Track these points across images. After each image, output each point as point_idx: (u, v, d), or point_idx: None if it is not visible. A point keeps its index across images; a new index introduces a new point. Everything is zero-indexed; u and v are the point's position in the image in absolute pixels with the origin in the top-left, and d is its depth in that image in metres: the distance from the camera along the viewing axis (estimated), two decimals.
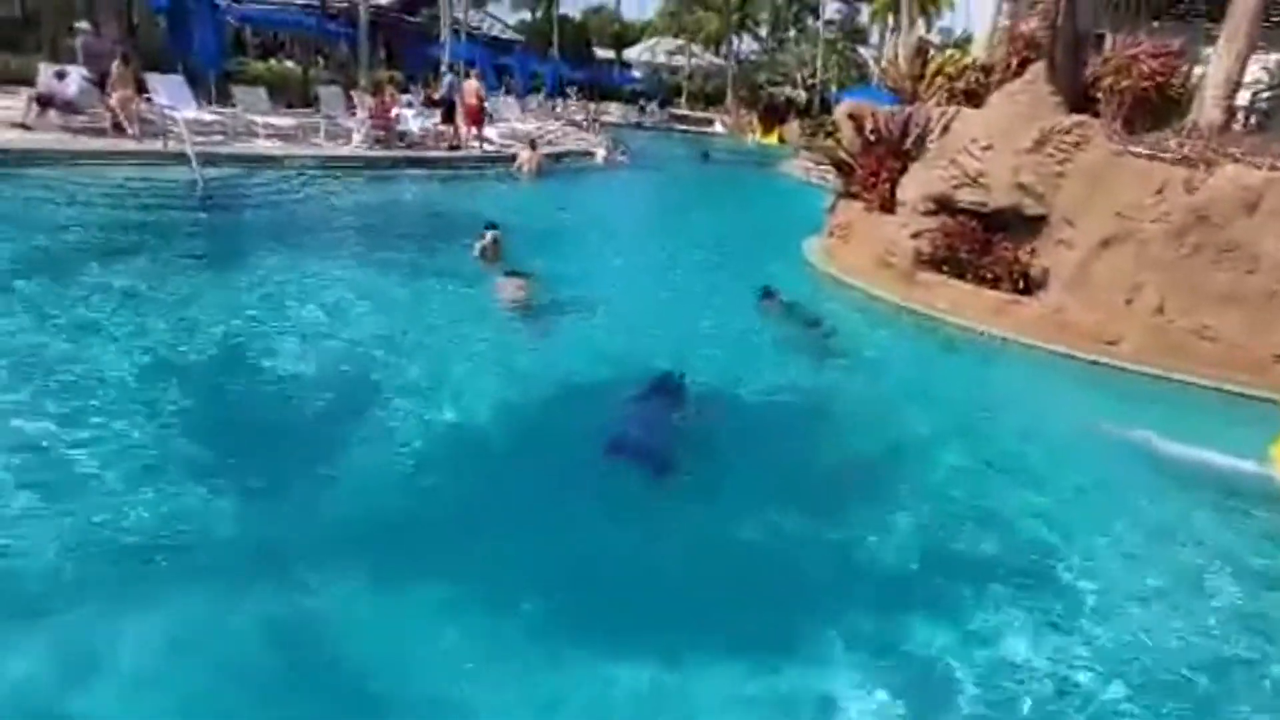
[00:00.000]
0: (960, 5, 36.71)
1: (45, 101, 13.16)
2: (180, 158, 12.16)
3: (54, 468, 4.15)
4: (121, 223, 9.40)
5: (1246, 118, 10.31)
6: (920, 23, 36.22)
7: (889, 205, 9.68)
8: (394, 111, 17.25)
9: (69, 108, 13.35)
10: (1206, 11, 10.19)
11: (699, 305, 8.75)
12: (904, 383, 7.25)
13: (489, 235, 8.79)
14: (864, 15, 47.29)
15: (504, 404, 5.68)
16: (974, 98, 9.96)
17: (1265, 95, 10.60)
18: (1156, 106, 8.39)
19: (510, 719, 3.01)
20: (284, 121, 15.91)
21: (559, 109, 34.64)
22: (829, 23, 46.06)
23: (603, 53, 49.17)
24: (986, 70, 10.12)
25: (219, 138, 14.50)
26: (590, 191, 18.48)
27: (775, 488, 4.89)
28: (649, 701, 3.10)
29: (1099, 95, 8.47)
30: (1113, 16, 14.07)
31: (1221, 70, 7.97)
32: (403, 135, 17.53)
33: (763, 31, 49.57)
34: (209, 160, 12.52)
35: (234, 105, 15.79)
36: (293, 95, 19.62)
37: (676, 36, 48.93)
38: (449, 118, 18.29)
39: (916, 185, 9.16)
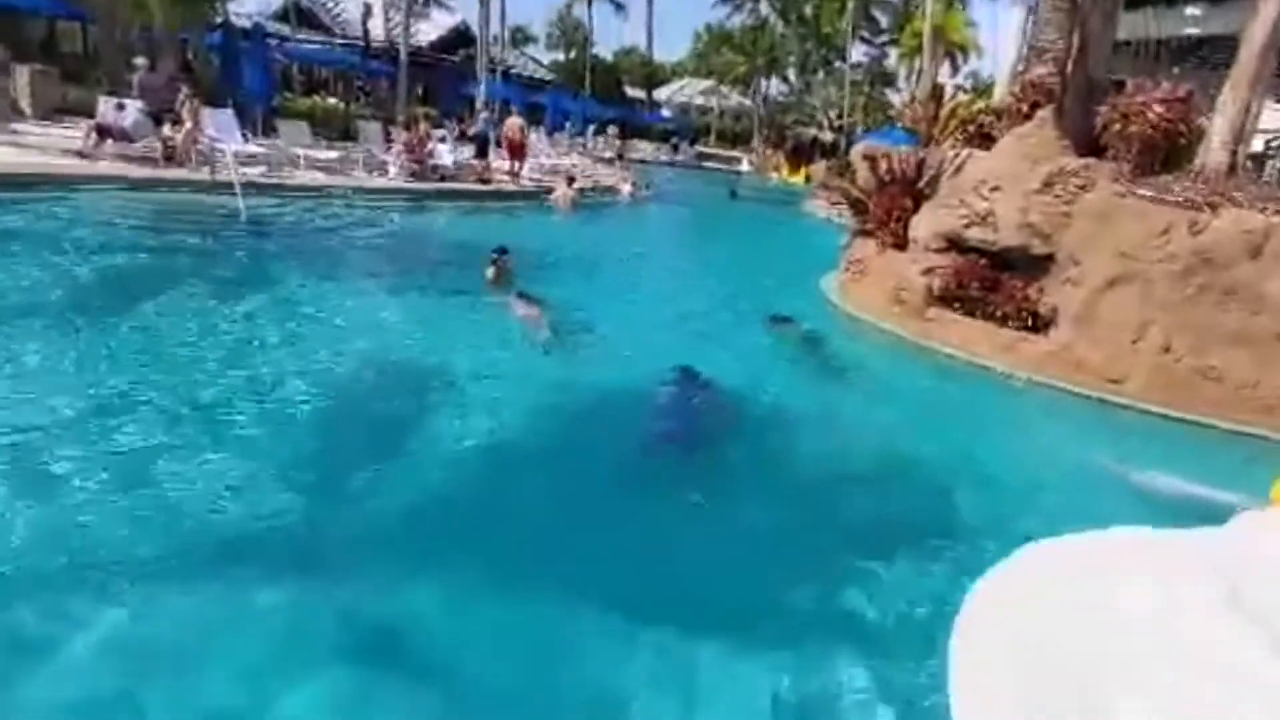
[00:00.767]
0: (989, 50, 37.06)
1: (103, 131, 13.93)
2: (225, 187, 12.78)
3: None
4: (167, 245, 9.94)
5: (1260, 164, 10.42)
6: (945, 67, 36.72)
7: (902, 243, 9.90)
8: (428, 146, 17.90)
9: (124, 137, 14.11)
10: (1226, 60, 10.37)
11: (716, 328, 9.13)
12: (905, 411, 7.43)
13: (499, 259, 9.19)
14: (892, 59, 48.12)
15: (539, 409, 6.05)
16: (988, 140, 10.20)
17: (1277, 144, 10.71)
18: (1165, 152, 8.56)
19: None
20: (325, 154, 16.63)
21: (589, 145, 35.52)
22: (855, 66, 46.84)
23: (633, 92, 50.33)
24: (999, 114, 10.37)
25: (262, 169, 15.18)
26: (618, 225, 18.98)
27: (774, 478, 5.45)
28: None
29: (1108, 140, 8.66)
30: (1133, 63, 14.36)
31: (1227, 117, 8.14)
32: (436, 168, 18.18)
33: (791, 74, 50.49)
34: (252, 190, 13.14)
35: (278, 138, 16.55)
36: (334, 129, 20.50)
37: (706, 77, 50.05)
38: (482, 153, 18.94)
39: (928, 224, 9.38)
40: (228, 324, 7.22)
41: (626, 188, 22.22)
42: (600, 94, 43.13)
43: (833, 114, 39.79)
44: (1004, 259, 8.77)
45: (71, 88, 19.24)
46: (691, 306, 10.39)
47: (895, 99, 42.34)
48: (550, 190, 19.50)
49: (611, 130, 36.89)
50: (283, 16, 31.98)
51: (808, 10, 44.42)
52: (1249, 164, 9.49)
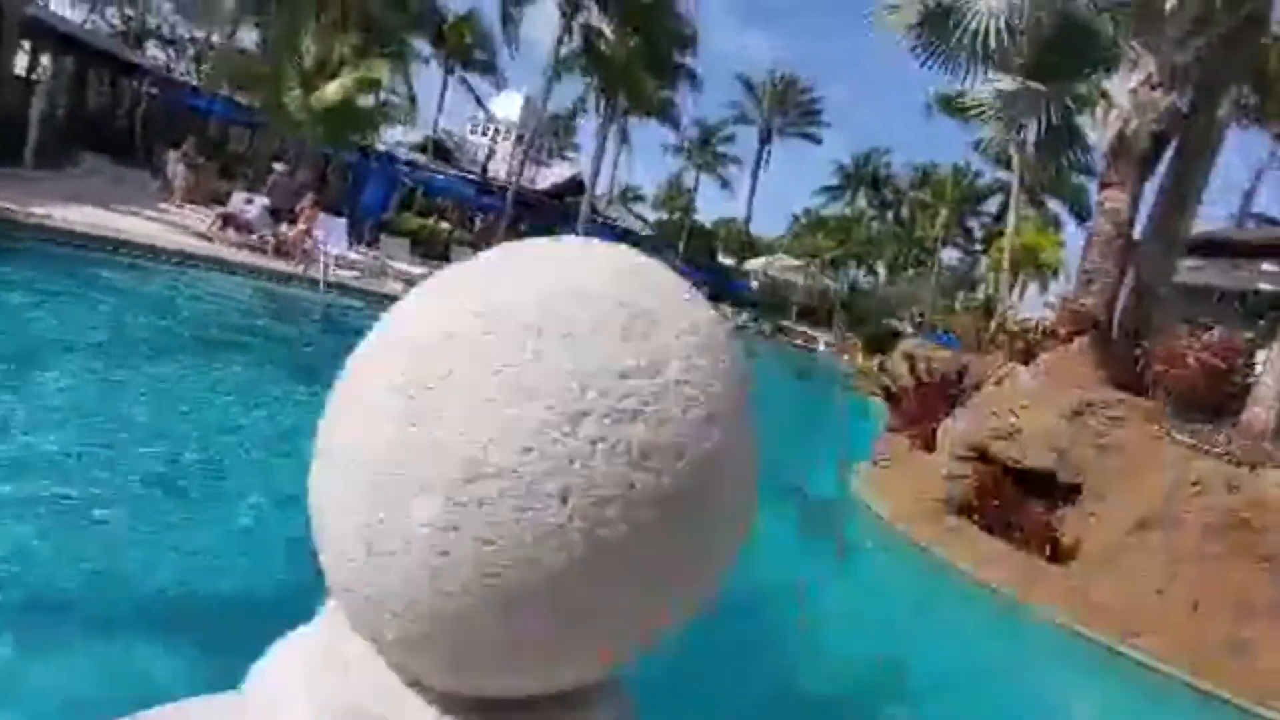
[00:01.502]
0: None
1: (227, 219, 15.55)
2: (314, 282, 13.91)
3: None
4: (246, 325, 10.81)
5: None
6: (1034, 285, 37.02)
7: (931, 445, 9.70)
8: None
9: (246, 228, 15.69)
10: None
11: None
12: (878, 612, 7.22)
13: None
14: (983, 266, 48.88)
15: None
16: (1032, 357, 10.12)
17: None
18: (1211, 402, 8.28)
19: None
20: (415, 269, 17.91)
21: None
22: (947, 269, 47.74)
23: (725, 259, 52.54)
24: (1046, 334, 10.33)
25: (355, 273, 16.46)
26: None
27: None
28: None
29: (1150, 381, 8.47)
30: (1213, 311, 14.14)
31: (1274, 376, 7.86)
32: None
33: (880, 265, 51.85)
34: (338, 290, 14.22)
35: (379, 250, 18.05)
36: (434, 249, 22.18)
37: (798, 257, 51.96)
38: None
39: (958, 431, 9.20)
40: (233, 393, 7.66)
41: None
42: (693, 255, 45.14)
43: (915, 310, 40.27)
44: (1029, 480, 8.44)
45: (226, 182, 21.83)
46: None
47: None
48: None
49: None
50: (423, 148, 35.71)
51: (904, 212, 46.23)
52: None
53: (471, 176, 29.68)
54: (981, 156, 40.04)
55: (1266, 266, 11.53)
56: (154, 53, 34.83)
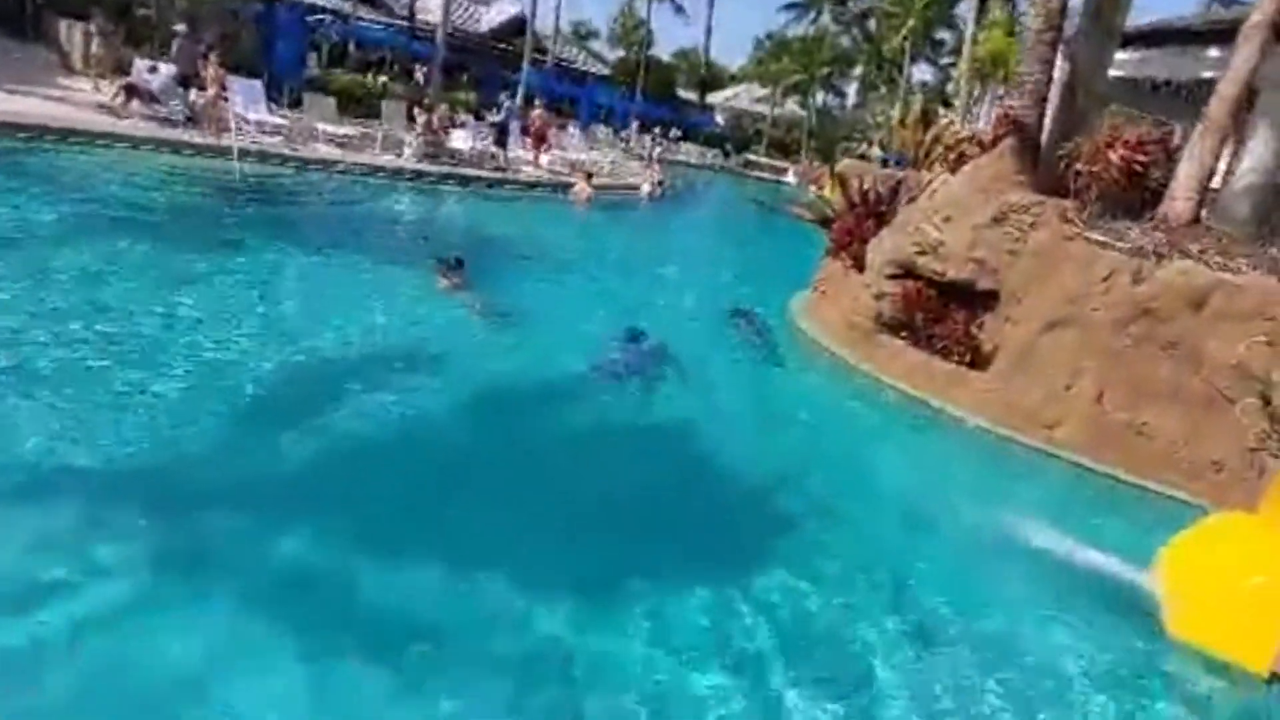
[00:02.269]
0: None
1: (131, 91, 14.53)
2: (229, 152, 13.20)
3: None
4: (153, 203, 10.35)
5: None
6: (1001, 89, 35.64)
7: (863, 266, 9.71)
8: (438, 127, 18.11)
9: (152, 100, 14.70)
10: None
11: (678, 317, 9.69)
12: (804, 421, 7.71)
13: (450, 272, 8.95)
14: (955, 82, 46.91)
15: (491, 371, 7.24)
16: None
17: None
18: (1137, 196, 8.21)
19: None
20: (344, 130, 17.03)
21: (632, 143, 35.59)
22: (919, 85, 45.82)
23: (687, 94, 50.20)
24: (982, 144, 10.06)
25: (278, 139, 15.64)
26: (621, 223, 18.96)
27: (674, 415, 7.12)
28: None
29: (1072, 180, 8.36)
30: (1152, 103, 13.67)
31: (1193, 163, 7.76)
32: (453, 152, 18.47)
33: (851, 88, 49.75)
34: (254, 158, 13.55)
35: (302, 112, 17.04)
36: (365, 107, 20.92)
37: (763, 85, 49.66)
38: (500, 141, 19.18)
39: (884, 249, 9.18)
40: (160, 280, 7.49)
41: (646, 188, 22.23)
42: (652, 93, 43.08)
43: (884, 134, 39.03)
44: (952, 291, 8.53)
45: (133, 50, 20.14)
46: (650, 302, 10.50)
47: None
48: (572, 184, 19.69)
49: (657, 131, 36.94)
50: None
51: (870, 25, 43.72)
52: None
53: (400, 23, 27.53)
54: None
55: (1213, 53, 11.08)
56: None
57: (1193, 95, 12.73)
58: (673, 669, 3.80)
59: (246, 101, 15.98)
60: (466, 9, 36.63)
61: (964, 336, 8.30)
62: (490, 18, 37.33)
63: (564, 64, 38.94)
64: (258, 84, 16.61)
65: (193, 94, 15.13)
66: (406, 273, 9.33)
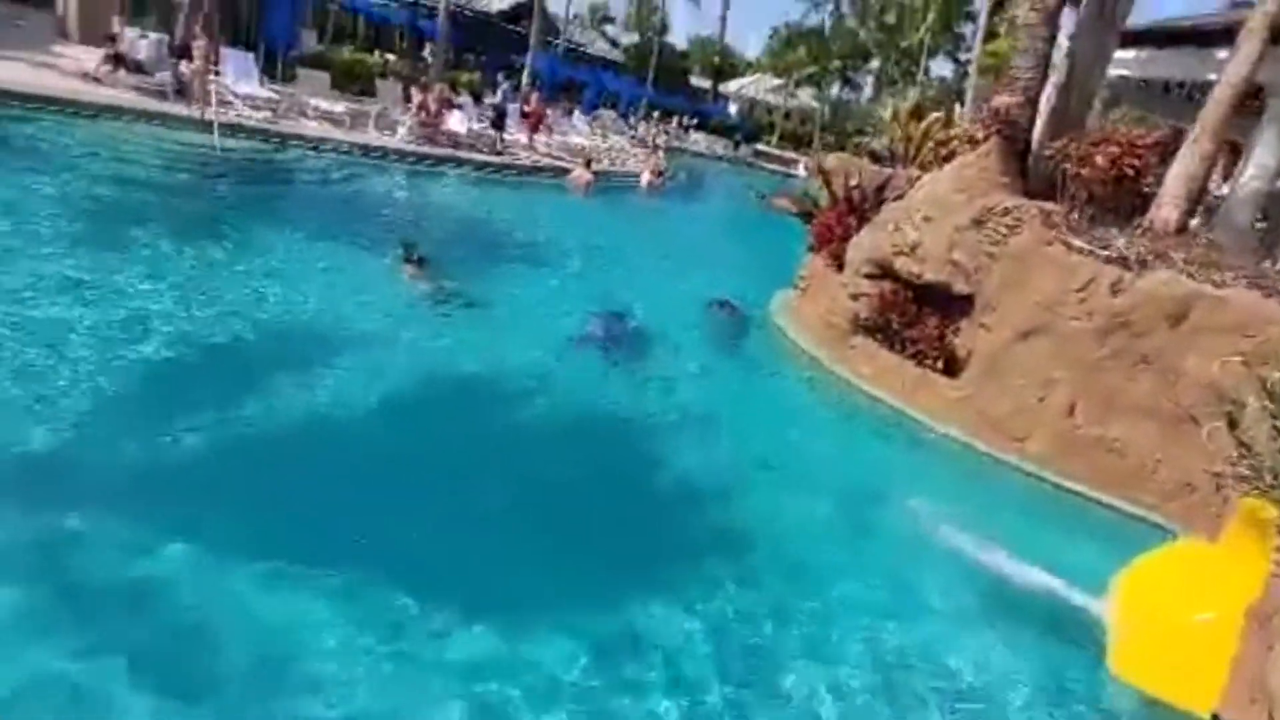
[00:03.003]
0: None
1: (118, 60, 14.33)
2: (224, 127, 12.98)
3: None
4: (127, 176, 10.18)
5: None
6: None
7: (843, 264, 9.42)
8: (436, 109, 17.83)
9: (139, 69, 14.50)
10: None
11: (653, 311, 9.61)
12: (765, 417, 7.60)
13: (413, 263, 8.71)
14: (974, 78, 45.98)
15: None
16: None
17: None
18: (1121, 201, 7.88)
19: None
20: (336, 107, 16.78)
21: (639, 129, 35.13)
22: (938, 81, 44.94)
23: (700, 82, 49.55)
24: (975, 141, 9.71)
25: (267, 114, 15.42)
26: (616, 212, 18.65)
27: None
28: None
29: (1061, 182, 8.04)
30: (1162, 104, 13.23)
31: (1183, 168, 7.41)
32: (451, 135, 18.20)
33: (868, 80, 48.89)
34: (237, 132, 13.34)
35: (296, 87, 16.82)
36: (366, 85, 20.66)
37: (778, 75, 48.92)
38: (497, 124, 18.90)
39: (863, 247, 8.89)
40: (97, 258, 7.31)
41: (646, 176, 21.88)
42: (665, 80, 42.49)
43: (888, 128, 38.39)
44: (928, 294, 8.24)
45: (127, 17, 19.93)
46: (625, 296, 10.27)
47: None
48: (571, 170, 19.42)
49: (657, 117, 36.47)
50: None
51: (889, 19, 42.89)
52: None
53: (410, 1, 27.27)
54: None
55: (1221, 54, 10.65)
56: None
57: (1204, 97, 12.32)
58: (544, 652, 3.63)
59: (237, 74, 15.80)
60: None
61: (938, 341, 8.03)
62: None
63: (575, 48, 38.50)
64: (250, 57, 16.42)
65: (183, 65, 14.91)
66: (370, 258, 9.10)
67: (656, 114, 37.07)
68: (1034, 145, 8.83)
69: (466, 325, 7.97)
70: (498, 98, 19.81)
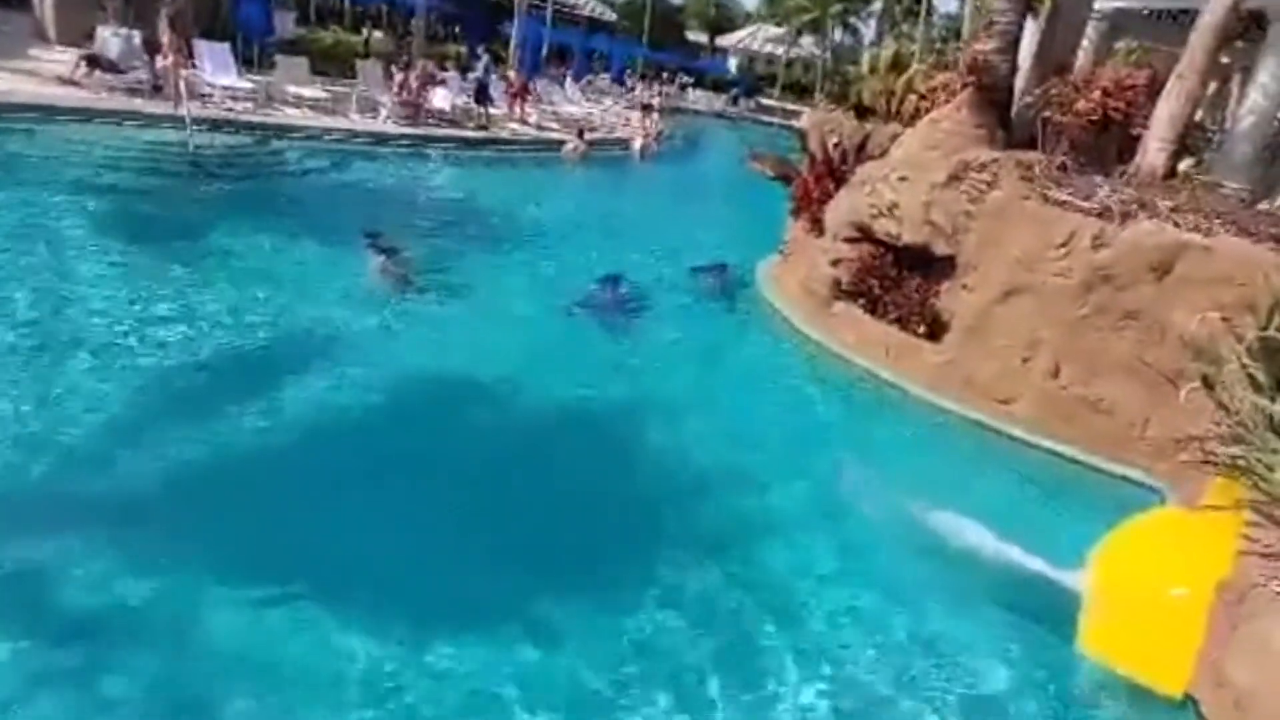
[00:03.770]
0: None
1: (93, 61, 14.14)
2: (200, 122, 12.78)
3: None
4: (94, 183, 10.07)
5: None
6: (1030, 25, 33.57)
7: (823, 228, 9.13)
8: (415, 87, 17.47)
9: (113, 68, 14.30)
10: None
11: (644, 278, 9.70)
12: (744, 386, 7.54)
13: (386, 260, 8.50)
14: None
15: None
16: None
17: None
18: (1106, 146, 7.50)
19: None
20: (317, 93, 16.49)
21: (637, 91, 34.36)
22: (947, 17, 43.33)
23: (696, 37, 48.31)
24: (954, 92, 9.28)
25: (247, 105, 15.20)
26: (608, 184, 18.29)
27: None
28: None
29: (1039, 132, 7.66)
30: (1172, 35, 12.53)
31: (1167, 110, 7.00)
32: (432, 112, 17.87)
33: (870, 25, 47.33)
34: (224, 126, 13.15)
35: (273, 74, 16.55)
36: (349, 67, 20.26)
37: (778, 24, 47.56)
38: (480, 99, 18.53)
39: (840, 210, 8.59)
40: (83, 262, 7.26)
41: (638, 142, 21.42)
42: (659, 37, 41.43)
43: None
44: (908, 256, 7.96)
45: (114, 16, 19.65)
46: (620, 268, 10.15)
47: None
48: (564, 142, 19.07)
49: (670, 79, 35.66)
50: None
51: None
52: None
53: None
54: None
55: None
56: None
57: None
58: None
59: (214, 67, 15.53)
60: None
61: (920, 305, 7.77)
62: None
63: (563, 10, 37.49)
64: (226, 48, 16.10)
65: (158, 60, 14.70)
66: (338, 253, 8.93)
67: (653, 74, 36.25)
68: (1017, 94, 8.39)
69: (441, 318, 7.89)
70: (479, 71, 19.37)
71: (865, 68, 14.29)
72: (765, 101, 43.43)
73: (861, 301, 8.26)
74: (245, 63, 16.91)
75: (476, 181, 15.48)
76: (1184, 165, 7.71)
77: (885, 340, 7.89)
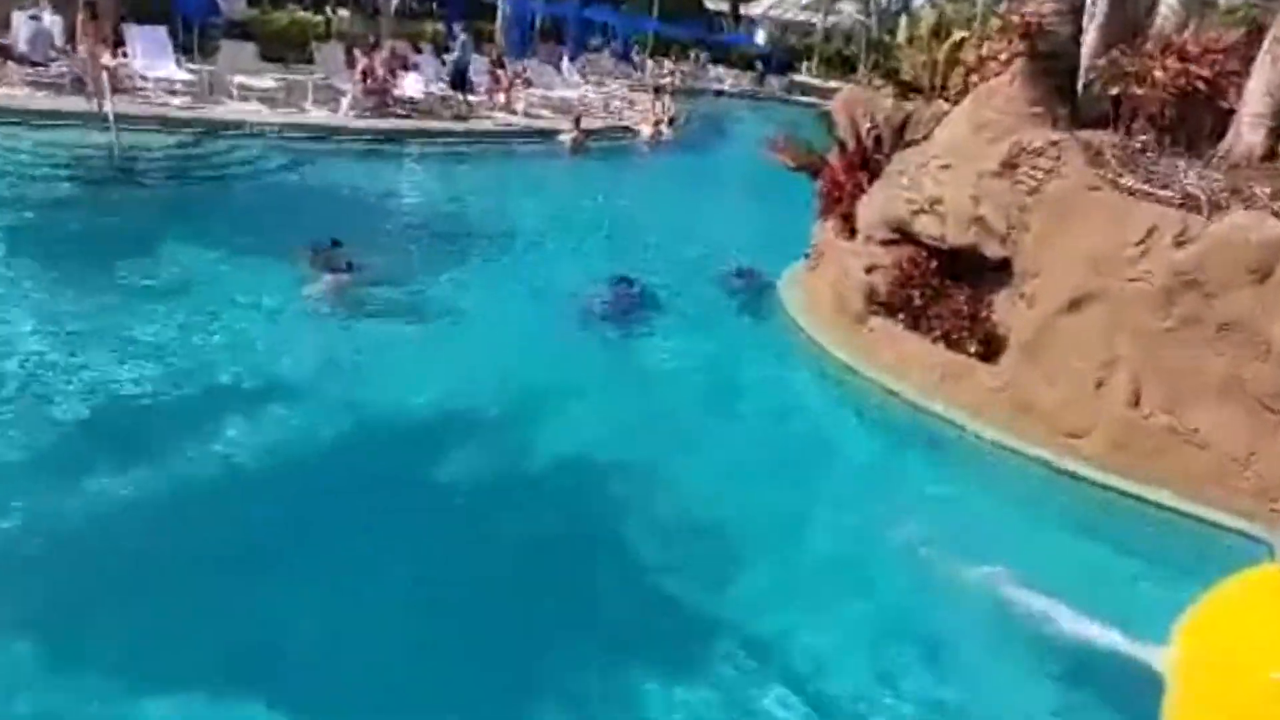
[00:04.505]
0: None
1: (3, 51, 14.46)
2: (127, 119, 12.98)
3: None
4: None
5: None
6: None
7: (854, 228, 9.04)
8: (381, 73, 17.70)
9: (23, 59, 14.60)
10: None
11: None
12: (753, 447, 7.17)
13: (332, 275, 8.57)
14: None
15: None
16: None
17: None
18: (1191, 123, 7.37)
19: None
20: (265, 83, 16.73)
21: (646, 70, 34.62)
22: None
23: (716, 6, 48.66)
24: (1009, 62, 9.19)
25: (185, 99, 15.45)
26: (605, 182, 18.28)
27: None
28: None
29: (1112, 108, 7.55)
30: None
31: (1264, 80, 6.85)
32: (402, 101, 18.08)
33: None
34: (127, 123, 13.32)
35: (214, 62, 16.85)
36: (307, 53, 20.54)
37: None
38: (458, 85, 18.74)
39: (874, 207, 8.50)
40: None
41: (647, 130, 21.53)
42: (673, 7, 41.74)
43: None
44: (956, 261, 7.85)
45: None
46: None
47: None
48: (557, 132, 19.24)
49: (687, 55, 35.91)
50: None
51: None
52: None
53: None
54: None
55: None
56: None
57: None
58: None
59: (148, 55, 15.85)
60: None
61: (970, 319, 7.63)
62: None
63: None
64: (162, 32, 16.43)
65: (80, 50, 15.00)
66: (282, 270, 8.95)
67: (665, 50, 36.54)
68: (1084, 64, 8.28)
69: (399, 338, 7.89)
70: (457, 51, 19.60)
71: (902, 36, 14.07)
72: (800, 79, 43.58)
73: (901, 315, 8.14)
74: (184, 50, 17.26)
75: (451, 181, 15.61)
76: None
77: (926, 361, 7.75)
